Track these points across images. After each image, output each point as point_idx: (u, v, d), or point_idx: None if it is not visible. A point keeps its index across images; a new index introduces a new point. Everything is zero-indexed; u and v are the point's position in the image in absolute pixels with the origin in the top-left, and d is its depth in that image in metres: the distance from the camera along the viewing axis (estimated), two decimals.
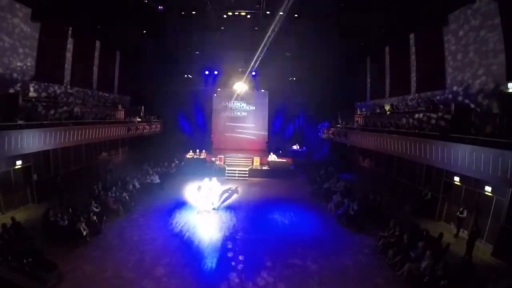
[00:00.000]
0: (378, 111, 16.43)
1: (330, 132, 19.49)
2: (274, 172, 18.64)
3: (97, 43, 17.14)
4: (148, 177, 15.03)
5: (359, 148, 17.01)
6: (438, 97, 12.35)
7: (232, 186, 15.92)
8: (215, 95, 24.57)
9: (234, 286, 7.14)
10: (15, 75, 11.61)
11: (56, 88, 13.83)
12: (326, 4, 13.85)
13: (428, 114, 11.59)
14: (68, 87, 14.59)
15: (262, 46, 17.60)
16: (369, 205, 11.67)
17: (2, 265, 6.42)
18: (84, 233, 8.82)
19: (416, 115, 11.99)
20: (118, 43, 18.73)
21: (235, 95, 23.65)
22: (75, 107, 13.34)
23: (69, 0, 12.89)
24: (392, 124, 13.11)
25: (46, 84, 13.22)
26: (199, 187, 13.14)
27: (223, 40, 18.65)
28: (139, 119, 18.81)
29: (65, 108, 12.59)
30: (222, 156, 19.72)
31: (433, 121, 10.75)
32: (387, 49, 16.84)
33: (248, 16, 15.69)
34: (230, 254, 8.62)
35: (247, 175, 18.40)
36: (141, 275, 7.34)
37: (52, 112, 11.63)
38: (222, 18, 15.99)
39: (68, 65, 14.65)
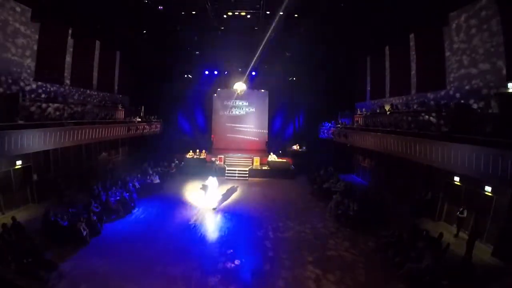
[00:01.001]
0: (378, 111, 16.43)
1: (330, 132, 19.50)
2: (274, 172, 18.64)
3: (97, 43, 17.13)
4: (148, 177, 15.03)
5: (359, 148, 17.01)
6: (438, 97, 12.35)
7: (232, 186, 15.94)
8: (215, 95, 24.58)
9: (234, 285, 7.16)
10: (15, 75, 11.60)
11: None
12: (326, 4, 13.85)
13: (427, 114, 11.60)
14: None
15: (262, 46, 17.59)
16: (369, 205, 11.67)
17: (2, 265, 6.42)
18: (84, 233, 8.83)
19: (410, 118, 12.00)
20: (118, 43, 18.73)
21: (235, 95, 23.62)
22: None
23: (69, 0, 12.88)
24: (392, 124, 13.10)
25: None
26: (204, 186, 13.16)
27: (223, 40, 18.63)
28: (139, 119, 18.81)
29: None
30: (222, 156, 19.74)
31: (433, 119, 10.75)
32: (387, 49, 16.83)
33: (248, 16, 15.67)
34: (231, 254, 8.61)
35: (247, 175, 18.40)
36: (141, 275, 7.34)
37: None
38: (222, 18, 15.97)
39: (68, 65, 14.65)
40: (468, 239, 8.46)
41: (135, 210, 11.92)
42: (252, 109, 24.81)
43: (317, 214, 12.20)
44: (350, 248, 9.19)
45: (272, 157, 19.55)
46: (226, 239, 9.67)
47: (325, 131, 20.52)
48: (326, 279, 7.50)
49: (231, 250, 8.81)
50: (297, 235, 10.13)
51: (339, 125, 18.65)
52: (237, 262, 8.06)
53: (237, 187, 15.93)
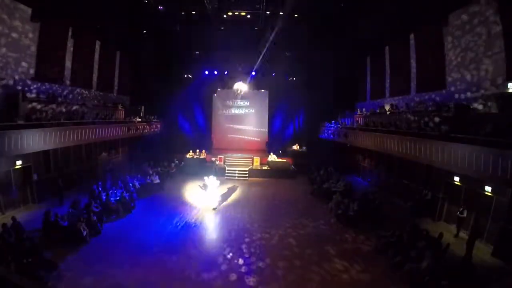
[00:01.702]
0: (378, 111, 16.44)
1: (331, 132, 19.51)
2: (274, 172, 18.64)
3: (97, 43, 17.13)
4: (148, 177, 15.03)
5: (359, 148, 17.02)
6: (438, 97, 12.35)
7: (231, 185, 15.95)
8: (215, 95, 24.58)
9: (234, 285, 7.15)
10: (15, 75, 11.59)
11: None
12: (326, 4, 13.87)
13: (428, 115, 11.61)
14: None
15: (262, 46, 17.61)
16: (369, 205, 11.68)
17: (2, 265, 6.41)
18: (84, 233, 8.83)
19: (412, 117, 12.02)
20: (118, 43, 18.74)
21: (235, 95, 23.65)
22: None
23: (69, 0, 12.89)
24: (392, 124, 13.11)
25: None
26: (204, 185, 13.19)
27: (223, 40, 18.65)
28: (139, 119, 18.82)
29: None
30: (222, 156, 19.74)
31: (435, 121, 10.75)
32: (387, 49, 16.84)
33: (248, 16, 15.70)
34: (230, 254, 8.61)
35: (247, 175, 18.40)
36: (141, 275, 7.34)
37: None
38: (222, 18, 15.99)
39: (68, 65, 14.65)
40: (468, 239, 8.47)
41: (135, 210, 11.91)
42: (252, 109, 24.80)
43: (317, 214, 12.15)
44: (350, 248, 9.19)
45: (272, 157, 19.55)
46: (226, 239, 9.66)
47: (326, 131, 20.52)
48: (326, 279, 7.51)
49: (231, 253, 8.80)
50: (298, 236, 10.10)
51: (339, 125, 18.67)
52: (240, 266, 8.05)
53: (237, 187, 15.94)
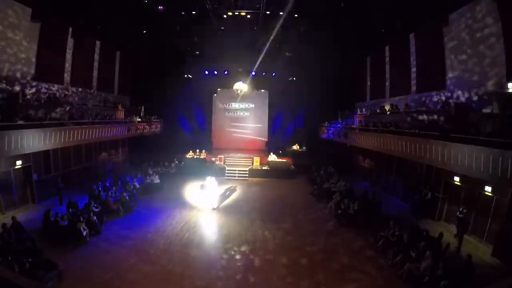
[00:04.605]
0: (378, 111, 16.43)
1: (331, 132, 19.52)
2: (274, 172, 18.64)
3: (97, 43, 17.13)
4: (148, 177, 15.03)
5: (359, 148, 17.01)
6: (438, 97, 12.35)
7: (231, 185, 15.95)
8: (215, 95, 24.57)
9: (234, 286, 7.15)
10: (15, 75, 11.58)
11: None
12: (326, 4, 13.85)
13: (428, 115, 11.60)
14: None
15: (262, 46, 17.59)
16: (369, 205, 11.67)
17: (2, 265, 6.41)
18: (84, 233, 8.84)
19: (412, 117, 12.00)
20: (118, 43, 18.73)
21: (235, 95, 23.65)
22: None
23: (69, 0, 12.89)
24: (392, 124, 13.11)
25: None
26: (202, 186, 13.18)
27: (223, 40, 18.63)
28: (139, 119, 18.81)
29: None
30: (222, 156, 19.74)
31: (435, 121, 10.74)
32: (387, 49, 16.83)
33: (248, 16, 15.68)
34: (230, 254, 8.62)
35: (247, 175, 18.40)
36: (141, 275, 7.34)
37: None
38: (222, 18, 15.97)
39: (68, 65, 14.64)
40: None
41: (135, 210, 11.91)
42: (252, 109, 24.78)
43: (317, 214, 12.18)
44: (349, 248, 9.19)
45: (272, 157, 19.54)
46: (226, 239, 9.66)
47: (326, 131, 20.52)
48: (326, 279, 7.51)
49: (232, 253, 8.80)
50: (297, 236, 10.10)
51: (339, 125, 18.68)
52: (240, 266, 8.04)
53: (236, 186, 15.94)
